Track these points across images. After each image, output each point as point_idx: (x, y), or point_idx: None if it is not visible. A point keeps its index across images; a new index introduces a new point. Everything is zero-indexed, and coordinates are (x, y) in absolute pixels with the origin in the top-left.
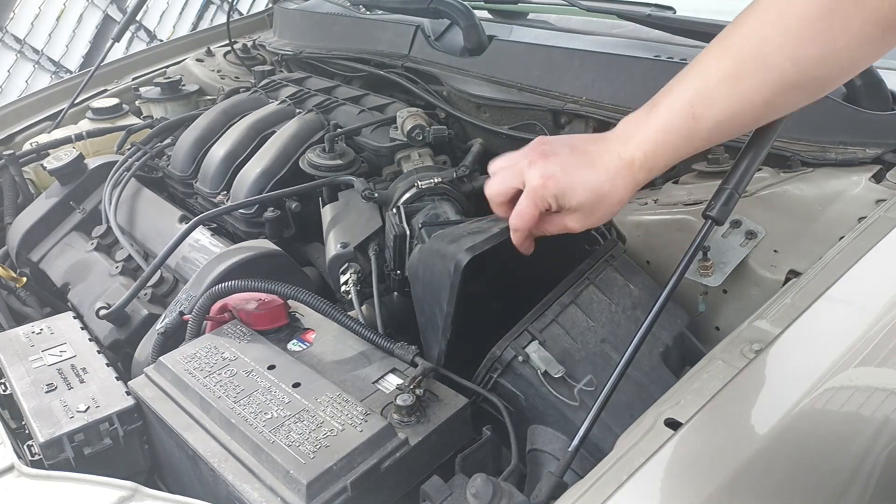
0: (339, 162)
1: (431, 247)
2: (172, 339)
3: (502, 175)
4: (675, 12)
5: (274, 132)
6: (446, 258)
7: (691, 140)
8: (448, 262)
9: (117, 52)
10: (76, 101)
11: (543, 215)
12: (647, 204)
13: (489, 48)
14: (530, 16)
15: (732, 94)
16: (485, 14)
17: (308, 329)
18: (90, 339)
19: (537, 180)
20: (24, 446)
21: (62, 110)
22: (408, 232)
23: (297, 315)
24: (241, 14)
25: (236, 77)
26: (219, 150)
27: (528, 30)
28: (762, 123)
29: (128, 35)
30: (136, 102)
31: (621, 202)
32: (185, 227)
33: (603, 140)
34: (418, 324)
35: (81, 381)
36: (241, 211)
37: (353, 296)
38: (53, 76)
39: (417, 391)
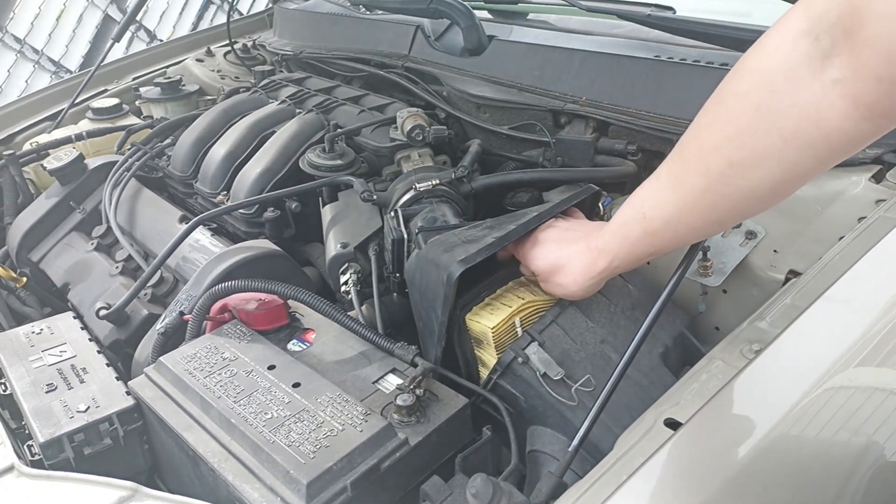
0: (339, 162)
1: (427, 254)
2: (172, 339)
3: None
4: (675, 12)
5: (274, 132)
6: (440, 268)
7: (649, 238)
8: (441, 272)
9: (117, 52)
10: (76, 101)
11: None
12: None
13: (489, 48)
14: (530, 16)
15: (677, 194)
16: (485, 14)
17: (308, 329)
18: (90, 339)
19: (525, 241)
20: (24, 446)
21: (62, 110)
22: (405, 236)
23: (297, 315)
24: (241, 14)
25: (236, 77)
26: (219, 150)
27: (528, 30)
28: (719, 229)
29: (128, 35)
30: (136, 102)
31: (576, 281)
32: (185, 227)
33: (590, 229)
34: (417, 328)
35: (81, 381)
36: (241, 211)
37: (353, 296)
38: (53, 76)
39: (417, 391)
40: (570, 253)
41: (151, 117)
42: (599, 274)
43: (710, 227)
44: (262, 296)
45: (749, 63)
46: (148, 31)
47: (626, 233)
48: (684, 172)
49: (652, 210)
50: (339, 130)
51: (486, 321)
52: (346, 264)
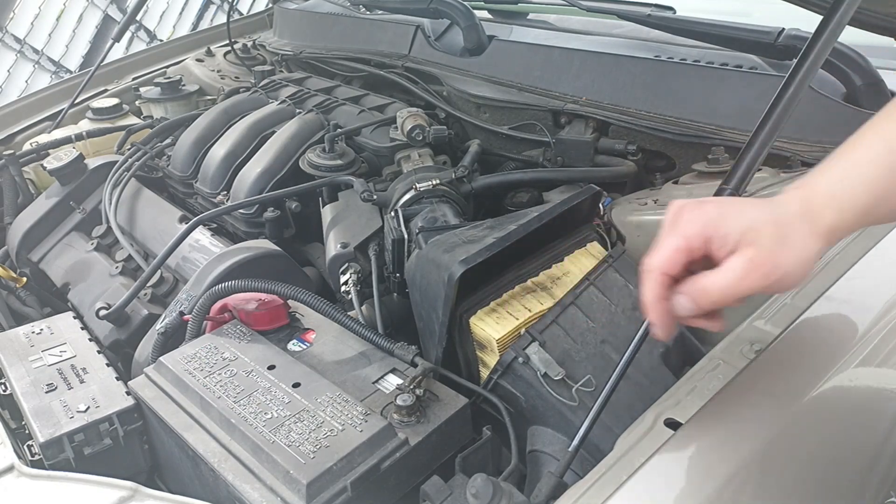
0: (339, 162)
1: (427, 255)
2: (172, 339)
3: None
4: (675, 12)
5: (274, 132)
6: (441, 268)
7: (892, 176)
8: (442, 273)
9: (117, 52)
10: (76, 101)
11: (698, 279)
12: (647, 204)
13: (489, 48)
14: (530, 16)
15: None
16: (485, 14)
17: (308, 329)
18: (90, 339)
19: (685, 214)
20: (24, 446)
21: (62, 110)
22: (406, 236)
23: (297, 315)
24: (241, 14)
25: (236, 77)
26: (219, 150)
27: (528, 30)
28: None
29: (128, 35)
30: (136, 102)
31: (791, 250)
32: (185, 227)
33: (781, 192)
34: (417, 328)
35: (81, 381)
36: (241, 211)
37: (353, 296)
38: (53, 76)
39: (417, 391)
40: (775, 211)
41: (151, 117)
42: (828, 233)
43: None
44: (262, 296)
45: None
46: (148, 31)
47: (864, 171)
48: None
49: None
50: (339, 130)
51: (491, 330)
52: (346, 264)
